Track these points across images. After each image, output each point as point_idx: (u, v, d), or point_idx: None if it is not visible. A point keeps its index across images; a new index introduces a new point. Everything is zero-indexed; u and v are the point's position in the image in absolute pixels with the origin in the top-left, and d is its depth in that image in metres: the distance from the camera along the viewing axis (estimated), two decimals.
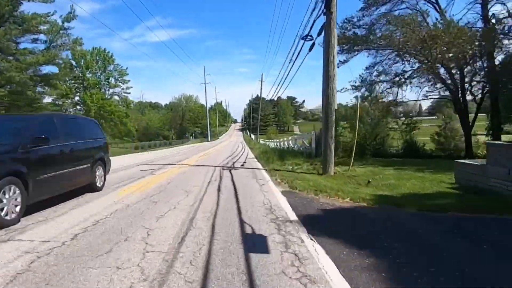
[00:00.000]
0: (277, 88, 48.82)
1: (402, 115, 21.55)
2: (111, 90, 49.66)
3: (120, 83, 49.24)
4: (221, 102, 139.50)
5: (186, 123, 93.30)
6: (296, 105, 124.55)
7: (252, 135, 79.25)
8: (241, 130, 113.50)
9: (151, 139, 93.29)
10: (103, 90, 47.48)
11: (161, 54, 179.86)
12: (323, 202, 5.37)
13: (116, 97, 50.13)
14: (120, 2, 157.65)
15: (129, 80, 50.26)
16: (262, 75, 41.48)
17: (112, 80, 48.98)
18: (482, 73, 15.42)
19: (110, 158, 7.63)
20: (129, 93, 51.46)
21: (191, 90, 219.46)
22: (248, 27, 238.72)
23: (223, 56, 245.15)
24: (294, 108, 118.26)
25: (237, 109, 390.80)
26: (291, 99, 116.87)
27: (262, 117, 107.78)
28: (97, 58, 45.17)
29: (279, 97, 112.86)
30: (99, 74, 46.40)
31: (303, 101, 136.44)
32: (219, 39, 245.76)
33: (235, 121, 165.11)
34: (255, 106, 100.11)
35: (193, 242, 3.31)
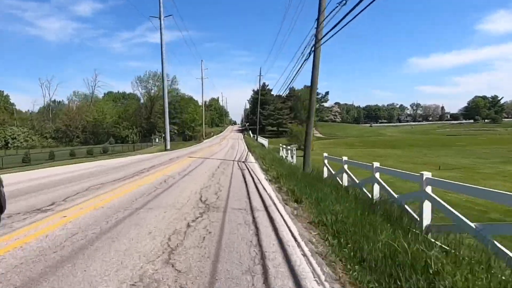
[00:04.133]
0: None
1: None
2: None
3: None
4: (217, 98, 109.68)
5: (156, 117, 59.85)
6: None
7: (260, 138, 47.35)
8: (241, 131, 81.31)
9: (101, 140, 61.62)
10: None
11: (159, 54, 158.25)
12: None
13: None
14: (118, 3, 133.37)
15: None
16: None
17: None
18: None
19: None
20: None
21: (189, 92, 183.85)
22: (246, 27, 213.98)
23: (221, 58, 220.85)
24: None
25: (235, 110, 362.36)
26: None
27: (272, 111, 75.78)
28: None
29: (292, 89, 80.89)
30: None
31: (327, 93, 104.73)
32: (217, 41, 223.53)
33: (234, 123, 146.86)
34: (261, 98, 68.63)
35: None
